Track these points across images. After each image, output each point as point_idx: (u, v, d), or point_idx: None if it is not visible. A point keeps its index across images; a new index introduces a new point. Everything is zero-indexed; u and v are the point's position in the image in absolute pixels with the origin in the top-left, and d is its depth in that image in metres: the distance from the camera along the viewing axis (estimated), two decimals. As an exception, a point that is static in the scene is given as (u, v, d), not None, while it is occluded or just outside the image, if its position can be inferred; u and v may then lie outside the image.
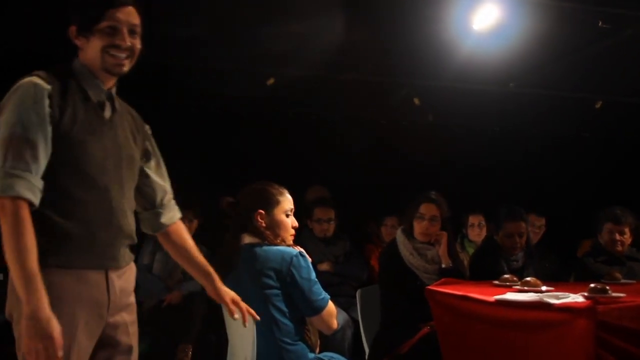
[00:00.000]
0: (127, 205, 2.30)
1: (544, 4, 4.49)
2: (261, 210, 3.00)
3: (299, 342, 2.91)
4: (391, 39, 5.15)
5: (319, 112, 6.88)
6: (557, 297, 2.84)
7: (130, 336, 2.29)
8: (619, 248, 4.49)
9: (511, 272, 3.89)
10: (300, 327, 2.94)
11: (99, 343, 2.18)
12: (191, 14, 4.67)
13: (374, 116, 7.04)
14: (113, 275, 2.21)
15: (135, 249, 5.42)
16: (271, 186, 3.07)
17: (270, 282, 2.86)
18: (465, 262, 4.70)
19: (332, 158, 6.68)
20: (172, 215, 2.56)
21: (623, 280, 3.89)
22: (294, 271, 2.86)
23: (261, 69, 5.75)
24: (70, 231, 2.07)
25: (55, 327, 1.93)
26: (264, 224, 2.99)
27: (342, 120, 6.95)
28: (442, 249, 4.01)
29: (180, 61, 5.47)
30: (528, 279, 3.41)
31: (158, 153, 2.55)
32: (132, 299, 2.35)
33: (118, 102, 2.31)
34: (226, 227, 3.11)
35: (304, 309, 2.92)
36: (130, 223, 2.31)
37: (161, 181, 2.53)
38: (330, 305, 2.96)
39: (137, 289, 2.54)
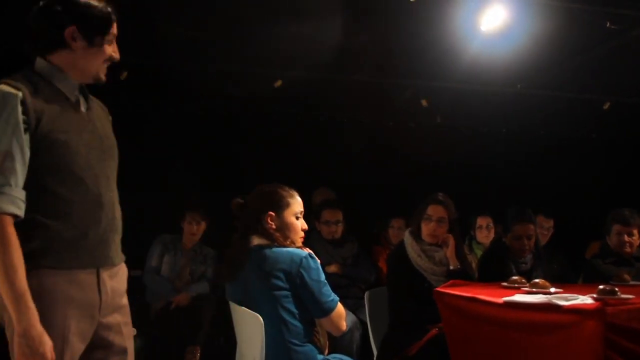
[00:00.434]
0: (115, 197, 2.30)
1: (552, 5, 4.49)
2: (271, 212, 3.00)
3: (308, 344, 2.91)
4: (399, 40, 5.16)
5: (326, 114, 6.89)
6: (566, 299, 2.83)
7: (124, 337, 2.30)
8: (628, 249, 4.48)
9: (519, 274, 3.88)
10: (309, 329, 2.94)
11: (92, 344, 2.19)
12: (198, 16, 4.68)
13: (381, 118, 7.04)
14: (105, 275, 2.21)
15: (143, 252, 5.44)
16: (282, 188, 3.08)
17: (280, 283, 2.86)
18: (473, 264, 4.69)
19: (339, 160, 6.69)
20: None
21: (632, 282, 3.88)
22: (303, 272, 2.86)
23: (268, 70, 5.77)
24: (61, 233, 2.08)
25: (47, 343, 1.97)
26: (273, 226, 2.99)
27: (349, 122, 6.96)
28: (449, 251, 4.01)
29: (187, 63, 5.49)
30: (537, 280, 3.40)
31: None
32: (125, 300, 2.35)
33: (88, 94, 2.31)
34: (234, 228, 3.11)
35: (313, 310, 2.92)
36: (118, 217, 2.31)
37: None
38: (340, 306, 2.97)
39: (145, 291, 2.55)
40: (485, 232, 5.72)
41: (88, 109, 2.26)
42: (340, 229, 5.29)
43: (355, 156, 6.81)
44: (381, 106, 6.75)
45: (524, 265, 4.22)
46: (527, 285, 3.43)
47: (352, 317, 4.74)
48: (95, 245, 2.16)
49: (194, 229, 5.28)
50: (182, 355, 4.80)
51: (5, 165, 1.97)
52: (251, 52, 5.25)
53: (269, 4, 4.52)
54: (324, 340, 3.03)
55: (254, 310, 2.86)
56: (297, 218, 3.06)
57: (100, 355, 2.23)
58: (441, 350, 3.41)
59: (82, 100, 2.24)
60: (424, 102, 6.59)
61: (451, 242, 4.03)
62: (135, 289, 3.21)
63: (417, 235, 4.06)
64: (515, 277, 3.64)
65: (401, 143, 6.83)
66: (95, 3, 2.17)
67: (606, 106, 6.65)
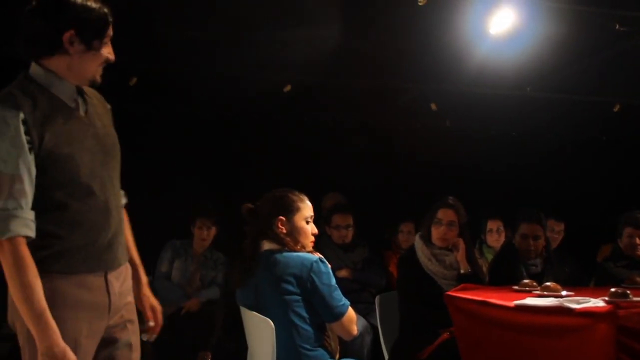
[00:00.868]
0: (119, 198, 2.32)
1: (560, 8, 4.48)
2: (282, 217, 3.01)
3: (319, 348, 2.91)
4: (408, 44, 5.15)
5: (334, 118, 6.89)
6: (578, 302, 2.83)
7: (129, 332, 2.32)
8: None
9: (530, 277, 3.87)
10: (320, 333, 2.94)
11: (101, 343, 2.21)
12: (206, 20, 4.69)
13: (390, 122, 7.03)
14: (112, 278, 2.22)
15: (153, 258, 5.44)
16: (292, 193, 3.09)
17: (290, 288, 2.86)
18: (484, 268, 4.68)
19: (349, 164, 6.69)
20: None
21: (644, 285, 3.86)
22: (314, 277, 2.86)
23: (276, 75, 5.77)
24: (72, 243, 2.10)
25: (72, 358, 1.99)
26: (284, 231, 3.00)
27: (357, 126, 6.96)
28: (460, 255, 4.01)
29: (196, 68, 5.50)
30: (548, 283, 3.39)
31: None
32: (131, 297, 2.36)
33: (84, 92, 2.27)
34: (244, 233, 3.12)
35: (324, 314, 2.92)
36: (122, 218, 2.33)
37: None
38: (350, 311, 2.97)
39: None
40: (495, 235, 5.69)
41: (87, 109, 2.23)
42: (350, 233, 5.29)
43: (365, 160, 6.82)
44: (390, 110, 6.75)
45: (534, 268, 4.20)
46: (539, 288, 3.42)
47: (363, 321, 4.74)
48: (103, 249, 2.18)
49: (205, 234, 5.28)
50: (194, 360, 4.81)
51: (15, 188, 1.98)
52: (259, 58, 5.26)
53: (281, 7, 4.52)
54: (334, 345, 3.03)
55: (264, 315, 2.87)
56: (308, 222, 3.07)
57: (107, 352, 2.25)
58: (452, 354, 3.40)
59: (80, 102, 2.21)
60: (433, 106, 6.58)
61: (461, 245, 4.03)
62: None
63: (427, 239, 4.06)
64: (526, 281, 3.63)
65: (410, 147, 6.82)
66: (93, 6, 2.12)
67: (616, 108, 6.62)
